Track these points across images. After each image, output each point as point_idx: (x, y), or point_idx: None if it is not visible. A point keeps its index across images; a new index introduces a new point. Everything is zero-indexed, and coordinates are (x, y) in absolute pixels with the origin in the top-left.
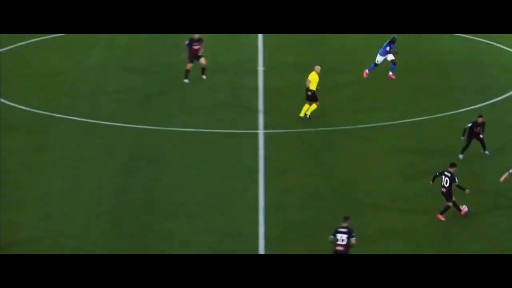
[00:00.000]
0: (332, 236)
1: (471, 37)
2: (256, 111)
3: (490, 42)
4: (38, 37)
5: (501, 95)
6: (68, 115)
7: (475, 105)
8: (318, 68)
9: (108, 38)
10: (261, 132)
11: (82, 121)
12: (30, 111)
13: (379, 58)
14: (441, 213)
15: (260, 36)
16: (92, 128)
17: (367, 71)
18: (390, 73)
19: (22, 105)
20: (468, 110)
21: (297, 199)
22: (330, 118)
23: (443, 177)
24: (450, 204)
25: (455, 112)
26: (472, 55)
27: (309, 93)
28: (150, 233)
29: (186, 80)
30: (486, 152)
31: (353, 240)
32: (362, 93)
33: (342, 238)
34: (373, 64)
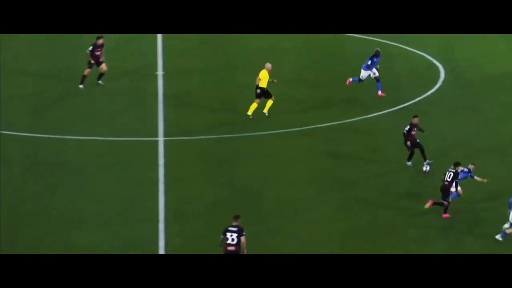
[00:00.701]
0: (222, 236)
1: (379, 39)
2: (155, 118)
3: (399, 45)
4: None
5: (411, 100)
6: None
7: (385, 110)
8: (268, 65)
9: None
10: (161, 139)
11: None
12: None
13: (363, 73)
14: (444, 212)
15: (159, 39)
16: None
17: (350, 79)
18: (379, 92)
19: None
20: (377, 115)
21: (199, 208)
22: (235, 125)
23: (448, 172)
24: (447, 202)
25: (364, 117)
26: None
27: (258, 90)
28: (48, 243)
29: (81, 86)
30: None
31: (242, 239)
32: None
33: (232, 237)
34: (357, 78)
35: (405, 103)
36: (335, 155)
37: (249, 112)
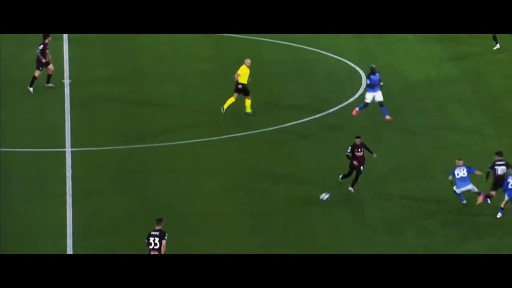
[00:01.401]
0: (146, 240)
1: (297, 45)
2: (62, 127)
3: (318, 51)
4: None
5: (332, 108)
6: None
7: (304, 118)
8: (248, 61)
9: None
10: (68, 150)
11: None
12: None
13: (367, 96)
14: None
15: (65, 46)
16: None
17: (357, 109)
18: (387, 117)
19: None
20: (296, 123)
21: (108, 222)
22: (146, 135)
23: (497, 167)
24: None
25: (281, 126)
26: (299, 65)
27: (240, 86)
28: None
29: (30, 89)
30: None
31: (163, 242)
32: (182, 108)
33: (155, 241)
34: (362, 104)
35: (325, 111)
36: (251, 167)
37: (225, 106)
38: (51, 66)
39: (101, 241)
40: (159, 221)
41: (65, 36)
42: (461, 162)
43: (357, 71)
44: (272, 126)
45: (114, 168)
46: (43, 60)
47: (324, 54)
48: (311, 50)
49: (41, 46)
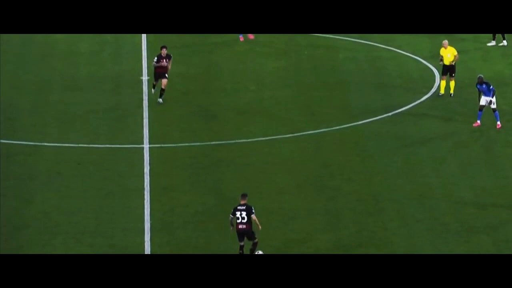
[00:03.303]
0: (231, 216)
1: (370, 43)
2: (140, 124)
3: (391, 48)
4: None
5: (405, 106)
6: None
7: (376, 116)
8: (445, 42)
9: None
10: (146, 146)
11: None
12: None
13: (482, 101)
14: None
15: (144, 44)
16: None
17: (478, 122)
18: (498, 123)
19: None
20: (368, 121)
21: (184, 218)
22: (221, 131)
23: None
24: None
25: (354, 124)
26: (372, 63)
27: (447, 67)
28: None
29: (160, 100)
30: None
31: (253, 216)
32: (255, 104)
33: (242, 215)
34: (479, 111)
35: (397, 109)
36: (323, 164)
37: (441, 91)
38: (165, 81)
39: (177, 237)
40: (244, 196)
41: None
42: None
43: (430, 69)
44: (345, 124)
45: (190, 164)
46: (159, 71)
47: (396, 51)
48: (383, 47)
49: (156, 58)
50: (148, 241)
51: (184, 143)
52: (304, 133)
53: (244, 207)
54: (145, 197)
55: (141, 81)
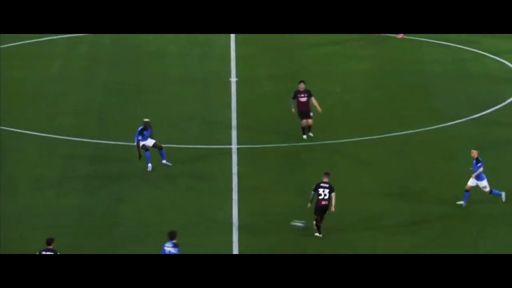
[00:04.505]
0: (313, 192)
1: (455, 45)
2: (228, 125)
3: (476, 50)
4: None
5: (490, 108)
6: (25, 130)
7: (461, 118)
8: None
9: (67, 47)
10: (234, 147)
11: (40, 136)
12: None
13: None
14: None
15: (232, 46)
16: (51, 144)
17: None
18: None
19: None
20: (453, 124)
21: (272, 218)
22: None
23: None
24: None
25: (439, 126)
26: (456, 65)
27: None
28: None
29: (304, 136)
30: None
31: (333, 195)
32: (341, 106)
33: (324, 192)
34: None
35: (482, 111)
36: (409, 166)
37: None
38: (310, 121)
39: (264, 237)
40: (327, 174)
41: (232, 35)
42: None
43: None
44: (430, 126)
45: (277, 165)
46: (301, 109)
47: (481, 54)
48: (468, 50)
49: (293, 94)
50: (236, 241)
51: (271, 144)
52: (389, 135)
53: (327, 185)
54: (233, 197)
55: (229, 83)
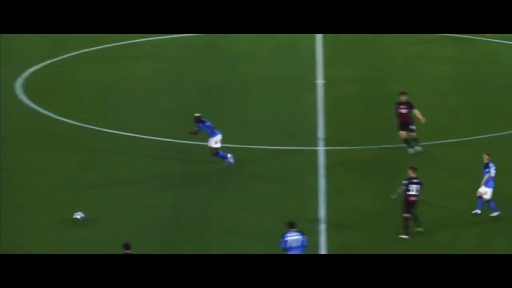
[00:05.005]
0: (403, 187)
1: None
2: (315, 126)
3: None
4: (82, 49)
5: None
6: (117, 131)
7: None
8: None
9: (153, 49)
10: (321, 149)
11: (132, 136)
12: (78, 126)
13: None
14: None
15: (319, 48)
16: (143, 145)
17: None
18: None
19: (70, 120)
20: None
21: (358, 220)
22: (392, 135)
23: None
24: None
25: None
26: None
27: None
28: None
29: (411, 150)
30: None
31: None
32: (424, 109)
33: (416, 188)
34: None
35: None
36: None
37: None
38: (414, 134)
39: (350, 238)
40: (414, 169)
41: (318, 36)
42: None
43: None
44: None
45: (363, 166)
46: (402, 121)
47: None
48: None
49: (395, 105)
50: (323, 242)
51: (357, 146)
52: (472, 138)
53: (417, 180)
54: (320, 198)
55: (316, 85)
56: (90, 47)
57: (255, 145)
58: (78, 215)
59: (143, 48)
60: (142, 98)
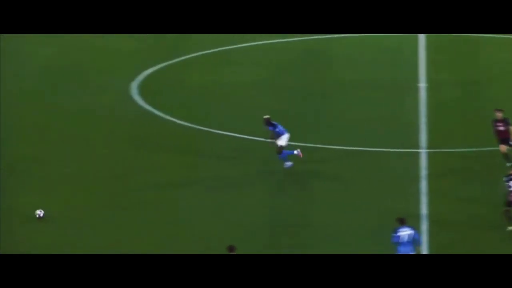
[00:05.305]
0: (506, 183)
1: None
2: (417, 129)
3: None
4: (191, 54)
5: None
6: (222, 131)
7: None
8: None
9: (256, 54)
10: (423, 151)
11: (237, 137)
12: (184, 126)
13: None
14: None
15: (421, 52)
16: (247, 146)
17: None
18: None
19: (178, 120)
20: None
21: (460, 223)
22: (486, 137)
23: None
24: None
25: None
26: None
27: None
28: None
29: (509, 164)
30: None
31: None
32: None
33: None
34: None
35: None
36: None
37: None
38: (502, 146)
39: (452, 239)
40: None
41: (421, 37)
42: None
43: None
44: None
45: (463, 169)
46: (501, 137)
47: None
48: None
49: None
50: (424, 242)
51: (459, 149)
52: None
53: None
54: (422, 201)
55: (418, 88)
56: (199, 51)
57: (357, 146)
58: (40, 212)
59: (246, 53)
60: (242, 100)
